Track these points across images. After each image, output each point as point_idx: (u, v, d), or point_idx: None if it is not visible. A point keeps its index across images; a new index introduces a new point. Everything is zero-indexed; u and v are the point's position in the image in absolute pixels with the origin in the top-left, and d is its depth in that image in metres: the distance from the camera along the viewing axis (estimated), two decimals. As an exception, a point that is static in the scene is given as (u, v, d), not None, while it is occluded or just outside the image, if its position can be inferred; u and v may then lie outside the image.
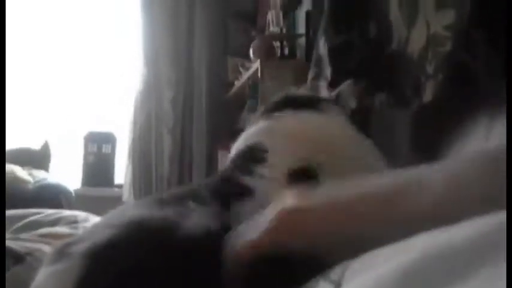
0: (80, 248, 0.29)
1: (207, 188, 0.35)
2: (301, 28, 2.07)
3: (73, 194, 2.59)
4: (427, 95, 0.88)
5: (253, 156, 0.39)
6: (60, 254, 0.30)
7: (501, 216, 0.28)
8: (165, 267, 0.28)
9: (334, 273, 0.30)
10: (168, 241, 0.29)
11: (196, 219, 0.30)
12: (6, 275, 0.46)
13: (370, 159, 0.45)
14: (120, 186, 3.01)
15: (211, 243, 0.29)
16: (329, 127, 0.45)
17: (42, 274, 0.30)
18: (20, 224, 0.87)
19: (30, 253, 0.51)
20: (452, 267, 0.25)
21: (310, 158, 0.40)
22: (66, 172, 2.96)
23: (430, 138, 1.05)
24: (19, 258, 0.50)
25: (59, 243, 0.32)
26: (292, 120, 0.43)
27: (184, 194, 0.36)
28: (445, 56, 0.76)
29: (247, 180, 0.36)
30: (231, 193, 0.35)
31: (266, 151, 0.39)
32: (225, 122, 2.90)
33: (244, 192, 0.35)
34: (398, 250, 0.29)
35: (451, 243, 0.27)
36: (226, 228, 0.30)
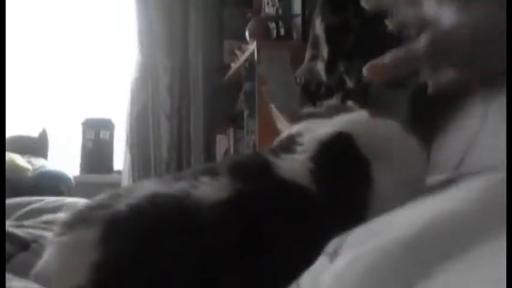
0: (98, 214, 0.30)
1: (228, 162, 0.36)
2: (297, 8, 2.05)
3: (73, 182, 2.59)
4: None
5: (290, 141, 0.38)
6: (74, 222, 0.31)
7: (500, 180, 0.28)
8: (175, 234, 0.30)
9: (330, 246, 0.30)
10: (177, 210, 0.31)
11: (203, 190, 0.31)
12: (12, 261, 0.47)
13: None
14: (119, 172, 3.02)
15: (212, 211, 0.30)
16: (368, 117, 0.44)
17: (54, 245, 0.30)
18: (22, 211, 0.87)
19: (35, 240, 0.51)
20: (453, 240, 0.25)
21: (349, 128, 0.39)
22: (65, 159, 2.96)
23: (427, 117, 1.05)
24: (24, 245, 0.50)
25: (67, 214, 0.32)
26: (327, 119, 0.42)
27: (200, 170, 0.37)
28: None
29: (271, 158, 0.36)
30: (249, 166, 0.35)
31: (300, 136, 0.39)
32: (222, 105, 2.89)
33: (263, 167, 0.35)
34: (398, 222, 0.29)
35: (452, 214, 0.27)
36: (231, 199, 0.31)
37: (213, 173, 0.34)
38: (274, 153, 0.37)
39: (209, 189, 0.32)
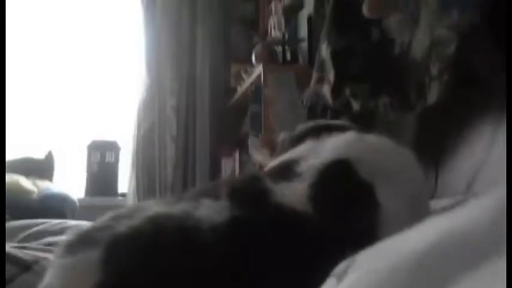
0: (99, 237, 0.30)
1: (226, 185, 0.36)
2: (303, 33, 2.07)
3: (77, 204, 2.59)
4: (432, 97, 0.87)
5: (285, 169, 0.39)
6: (75, 244, 0.30)
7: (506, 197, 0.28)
8: (175, 253, 0.30)
9: (339, 267, 0.30)
10: (178, 229, 0.31)
11: (204, 212, 0.32)
12: (14, 283, 0.46)
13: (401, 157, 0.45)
14: (123, 195, 3.01)
15: (212, 233, 0.31)
16: (362, 138, 0.44)
17: (56, 267, 0.30)
18: (26, 233, 0.87)
19: (36, 261, 0.51)
20: (460, 259, 0.25)
21: (346, 154, 0.39)
22: (70, 181, 2.96)
23: (434, 141, 1.04)
24: (26, 266, 0.50)
25: (67, 237, 0.32)
26: (328, 139, 0.42)
27: (201, 192, 0.37)
28: (449, 57, 0.75)
29: (270, 185, 0.36)
30: (248, 192, 0.35)
31: (300, 161, 0.39)
32: (228, 128, 2.89)
33: (261, 194, 0.35)
34: (406, 241, 0.29)
35: (460, 234, 0.26)
36: (230, 221, 0.31)
37: (214, 195, 0.34)
38: (272, 179, 0.37)
39: (210, 211, 0.32)
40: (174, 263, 0.30)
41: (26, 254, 0.51)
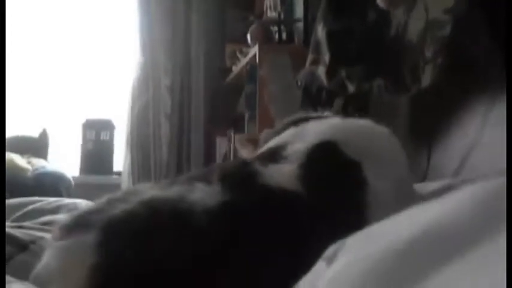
0: (95, 220, 0.31)
1: (218, 170, 0.37)
2: (299, 13, 2.05)
3: (72, 182, 2.59)
4: (426, 80, 0.88)
5: (273, 154, 0.39)
6: (72, 227, 0.31)
7: (495, 184, 0.28)
8: (169, 235, 0.31)
9: (329, 250, 0.31)
10: (172, 212, 0.32)
11: (198, 195, 0.33)
12: (11, 263, 0.47)
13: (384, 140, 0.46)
14: (118, 174, 3.01)
15: (205, 215, 0.32)
16: (348, 119, 0.45)
17: (53, 249, 0.31)
18: (21, 212, 0.87)
19: (33, 241, 0.51)
20: (448, 245, 0.25)
21: (332, 136, 0.40)
22: (65, 160, 2.96)
23: (427, 123, 1.05)
24: (23, 246, 0.50)
25: (65, 217, 0.33)
26: (311, 123, 0.43)
27: (195, 176, 0.37)
28: (444, 40, 0.75)
29: (260, 168, 0.37)
30: (239, 176, 0.36)
31: (287, 146, 0.39)
32: (223, 108, 2.89)
33: (252, 177, 0.36)
34: (394, 228, 0.30)
35: (448, 220, 0.27)
36: (222, 204, 0.32)
37: (206, 180, 0.34)
38: (261, 163, 0.38)
39: (203, 194, 0.33)
40: (168, 246, 0.31)
41: (22, 234, 0.52)
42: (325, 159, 0.39)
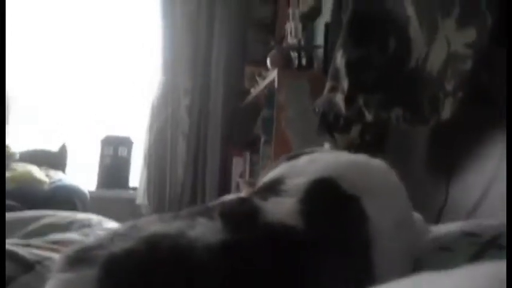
0: (96, 255, 0.30)
1: (220, 207, 0.36)
2: (320, 40, 2.06)
3: (88, 196, 2.61)
4: (446, 112, 0.86)
5: (271, 187, 0.39)
6: (74, 260, 0.31)
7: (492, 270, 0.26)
8: (168, 274, 0.30)
9: None
10: (172, 249, 0.31)
11: (199, 230, 0.32)
12: (14, 284, 0.46)
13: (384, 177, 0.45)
14: (134, 189, 3.03)
15: (206, 252, 0.31)
16: (343, 155, 0.45)
17: (56, 280, 0.31)
18: (33, 226, 0.88)
19: (39, 261, 0.51)
20: None
21: (329, 173, 0.40)
22: (83, 174, 2.99)
23: (447, 155, 1.03)
24: (28, 266, 0.50)
25: (69, 249, 0.33)
26: (309, 156, 0.43)
27: (198, 210, 0.37)
28: (465, 74, 0.74)
29: (259, 203, 0.36)
30: (239, 213, 0.35)
31: (284, 180, 0.39)
32: (240, 129, 2.90)
33: (252, 214, 0.35)
34: None
35: None
36: (223, 242, 0.32)
37: (208, 215, 0.34)
38: (261, 197, 0.37)
39: (205, 230, 0.32)
40: (168, 282, 0.30)
41: (29, 253, 0.51)
42: (324, 195, 0.38)
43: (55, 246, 0.56)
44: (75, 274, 0.30)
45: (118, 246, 0.31)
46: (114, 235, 0.32)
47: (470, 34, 0.70)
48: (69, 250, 0.32)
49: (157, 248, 0.31)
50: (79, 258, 0.31)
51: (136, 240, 0.31)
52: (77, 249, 0.32)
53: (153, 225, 0.33)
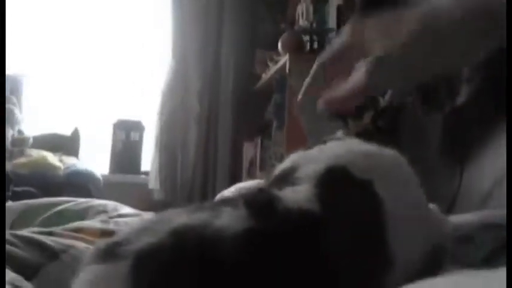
0: (125, 250, 0.31)
1: (242, 196, 0.37)
2: (332, 23, 2.04)
3: (101, 181, 2.65)
4: (461, 98, 0.85)
5: (284, 178, 0.39)
6: (106, 253, 0.32)
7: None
8: (196, 267, 0.31)
9: None
10: (197, 241, 0.32)
11: (225, 219, 0.33)
12: (42, 272, 0.48)
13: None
14: (146, 174, 3.06)
15: (234, 242, 0.31)
16: (355, 143, 0.45)
17: (91, 271, 0.32)
18: (50, 212, 0.89)
19: (64, 250, 0.52)
20: None
21: (340, 161, 0.40)
22: (95, 158, 3.03)
23: (461, 142, 1.02)
24: (54, 255, 0.51)
25: (101, 242, 0.34)
26: (317, 148, 0.43)
27: (221, 201, 0.37)
28: (483, 59, 0.73)
29: (277, 192, 0.37)
30: (261, 201, 0.36)
31: (297, 169, 0.40)
32: (250, 114, 2.90)
33: (272, 202, 0.36)
34: None
35: None
36: (246, 230, 0.32)
37: (233, 204, 0.35)
38: (277, 187, 0.38)
39: (231, 218, 0.33)
40: (196, 276, 0.31)
41: (53, 242, 0.52)
42: (338, 180, 0.39)
43: (77, 235, 0.58)
44: (106, 266, 0.31)
45: (145, 240, 0.31)
46: (140, 229, 0.33)
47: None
48: (100, 243, 0.33)
49: (182, 241, 0.31)
50: (109, 251, 0.32)
51: (162, 233, 0.32)
52: (108, 242, 0.33)
53: (179, 217, 0.33)
